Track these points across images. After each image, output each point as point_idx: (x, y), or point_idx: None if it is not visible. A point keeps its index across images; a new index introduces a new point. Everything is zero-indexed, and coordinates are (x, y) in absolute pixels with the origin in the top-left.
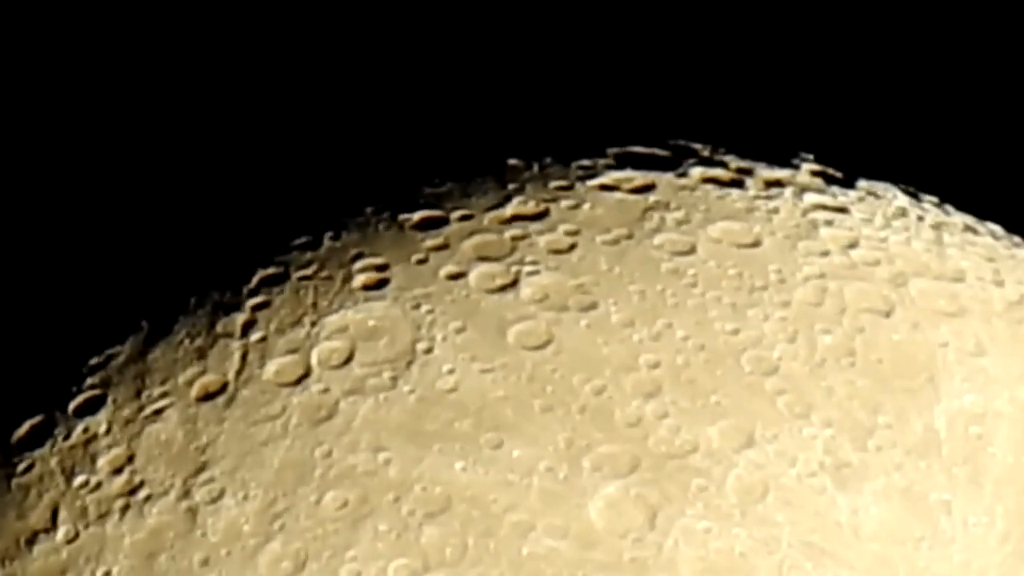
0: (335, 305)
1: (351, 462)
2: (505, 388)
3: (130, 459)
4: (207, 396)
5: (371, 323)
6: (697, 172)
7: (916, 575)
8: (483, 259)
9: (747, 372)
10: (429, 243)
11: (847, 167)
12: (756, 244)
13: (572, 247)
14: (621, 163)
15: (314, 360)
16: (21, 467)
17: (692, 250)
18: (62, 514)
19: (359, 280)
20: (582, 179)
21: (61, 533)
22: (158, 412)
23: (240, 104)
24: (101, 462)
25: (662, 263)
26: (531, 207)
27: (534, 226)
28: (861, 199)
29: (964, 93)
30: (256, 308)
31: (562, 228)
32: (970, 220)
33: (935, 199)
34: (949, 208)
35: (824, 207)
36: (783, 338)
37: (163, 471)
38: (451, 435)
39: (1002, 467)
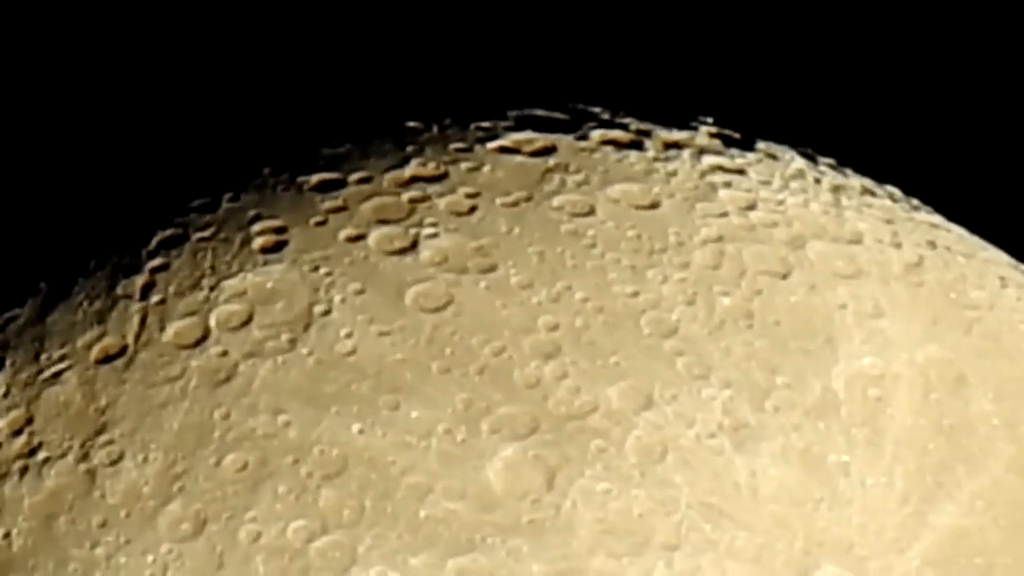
0: (234, 267)
1: (250, 424)
2: (403, 350)
3: (29, 421)
4: (106, 358)
5: (269, 285)
6: (596, 134)
7: (814, 536)
8: (382, 221)
9: (646, 334)
10: (327, 205)
11: (745, 129)
12: (655, 206)
13: (472, 209)
14: (521, 125)
15: (213, 322)
16: None
17: (591, 212)
18: None
19: (257, 242)
20: (481, 141)
21: None
22: (57, 374)
23: (139, 67)
24: (0, 424)
25: (561, 225)
26: (430, 169)
27: (433, 188)
28: (759, 161)
29: (860, 55)
30: (155, 270)
31: (461, 190)
32: (868, 183)
33: (832, 161)
34: (847, 171)
35: (722, 169)
36: (682, 300)
37: (62, 433)
38: (349, 397)
39: (901, 429)
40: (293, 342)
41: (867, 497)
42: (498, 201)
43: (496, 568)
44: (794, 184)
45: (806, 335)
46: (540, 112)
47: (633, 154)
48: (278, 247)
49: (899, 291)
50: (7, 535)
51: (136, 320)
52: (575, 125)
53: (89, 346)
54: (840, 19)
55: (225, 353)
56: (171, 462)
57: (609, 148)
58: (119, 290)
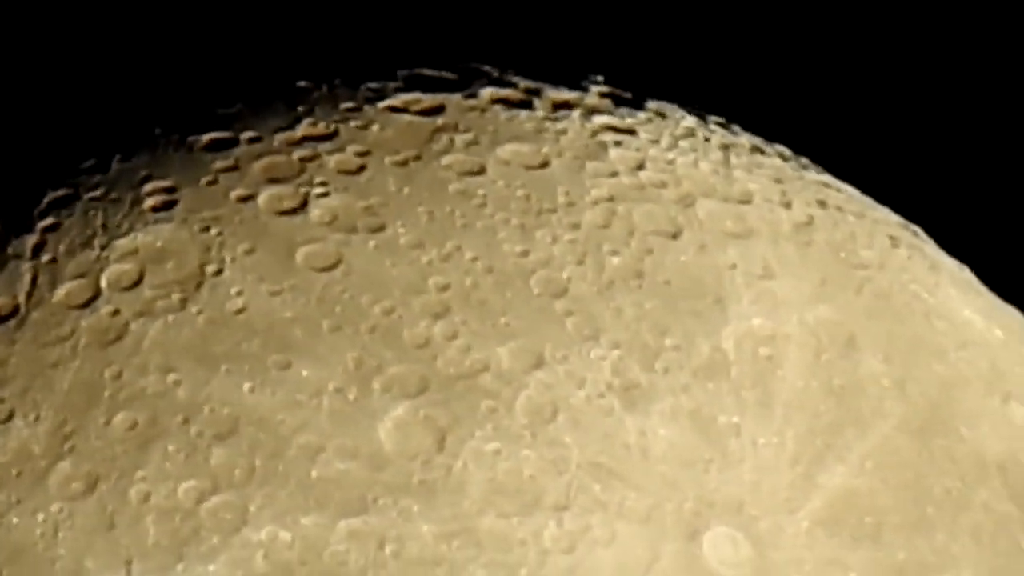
0: (124, 227)
1: (141, 384)
2: (294, 309)
3: None
4: None
5: (160, 245)
6: (486, 93)
7: (705, 497)
8: (272, 181)
9: (536, 294)
10: (218, 165)
11: (635, 88)
12: (545, 165)
13: (361, 169)
14: (410, 85)
15: (104, 282)
16: None
17: (481, 171)
18: None
19: (148, 202)
20: (371, 101)
21: None
22: None
23: (28, 29)
24: None
25: (451, 184)
26: (320, 129)
27: (323, 147)
28: (649, 120)
29: (748, 12)
30: (46, 230)
31: (351, 149)
32: (758, 141)
33: (722, 120)
34: (736, 129)
35: (612, 128)
36: (572, 260)
37: None
38: (240, 356)
39: (791, 389)
40: (184, 301)
41: (757, 457)
42: (387, 160)
43: (387, 528)
44: (684, 143)
45: (696, 295)
46: (429, 71)
47: (523, 113)
48: (169, 207)
49: (789, 251)
50: None
51: (27, 280)
52: (464, 84)
53: None
54: None
55: (116, 312)
56: (62, 421)
57: (499, 107)
58: (10, 250)
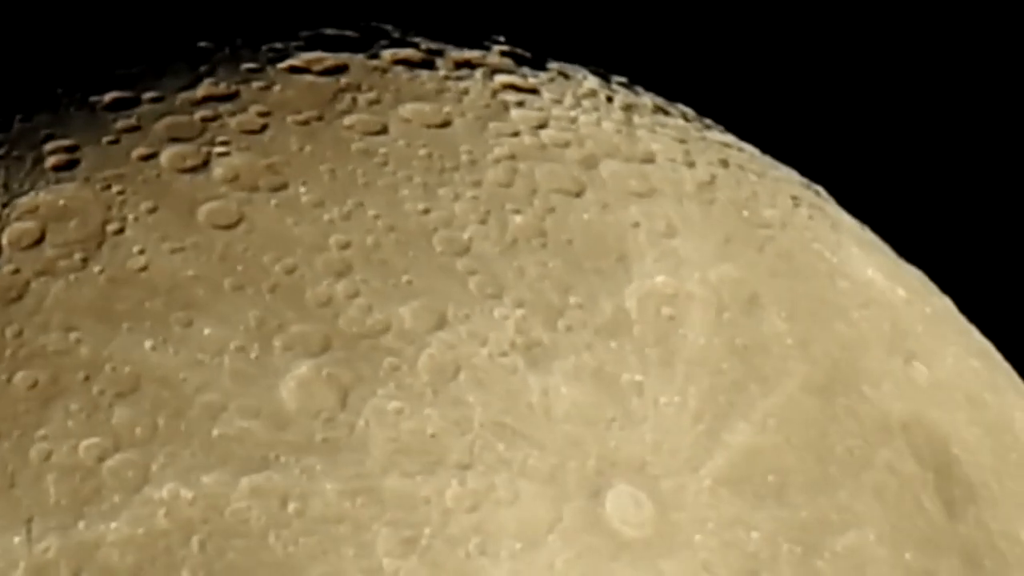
0: (26, 186)
1: (41, 342)
2: (196, 267)
3: None
4: None
5: (62, 203)
6: (388, 54)
7: (607, 455)
8: (174, 140)
9: (438, 252)
10: (120, 124)
11: (537, 48)
12: (447, 124)
13: (263, 128)
14: (312, 45)
15: (5, 241)
16: None
17: (383, 130)
18: None
19: (50, 161)
20: (273, 61)
21: None
22: None
23: None
24: None
25: (353, 143)
26: (222, 89)
27: (225, 107)
28: (551, 80)
29: None
30: None
31: (253, 109)
32: (660, 101)
33: (625, 80)
34: (639, 89)
35: (514, 88)
36: (474, 219)
37: None
38: (142, 314)
39: (694, 348)
40: (86, 260)
41: (660, 416)
42: (290, 120)
43: (290, 486)
44: (586, 103)
45: (599, 254)
46: (331, 31)
47: (425, 73)
48: (71, 165)
49: (692, 210)
50: None
51: None
52: (366, 44)
53: None
54: None
55: (17, 271)
56: None
57: (400, 67)
58: None
